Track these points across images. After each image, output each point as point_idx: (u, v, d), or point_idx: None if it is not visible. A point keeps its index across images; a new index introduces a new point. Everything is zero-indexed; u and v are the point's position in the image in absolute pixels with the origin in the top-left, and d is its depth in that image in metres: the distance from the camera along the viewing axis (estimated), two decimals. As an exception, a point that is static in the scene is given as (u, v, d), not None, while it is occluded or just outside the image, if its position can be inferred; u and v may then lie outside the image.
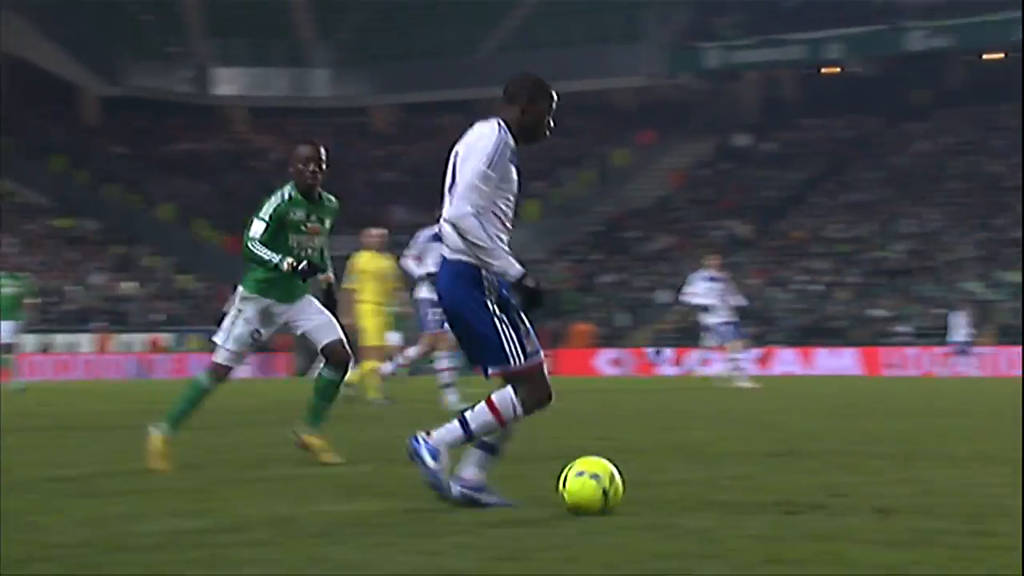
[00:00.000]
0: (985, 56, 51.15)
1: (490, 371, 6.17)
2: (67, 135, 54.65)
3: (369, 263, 17.80)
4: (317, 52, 59.32)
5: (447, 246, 6.28)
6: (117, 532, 5.41)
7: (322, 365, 8.71)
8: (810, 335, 41.29)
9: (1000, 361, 37.76)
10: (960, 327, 37.14)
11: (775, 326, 42.01)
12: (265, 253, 8.27)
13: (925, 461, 8.54)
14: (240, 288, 8.52)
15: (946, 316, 38.13)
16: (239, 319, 8.45)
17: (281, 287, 8.47)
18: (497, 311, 6.15)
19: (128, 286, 46.15)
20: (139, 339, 42.78)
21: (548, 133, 6.68)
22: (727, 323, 23.76)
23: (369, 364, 17.61)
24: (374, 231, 18.38)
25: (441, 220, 6.26)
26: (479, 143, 6.39)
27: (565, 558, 4.79)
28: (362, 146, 58.71)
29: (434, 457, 6.11)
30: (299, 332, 8.60)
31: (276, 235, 8.37)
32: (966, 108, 50.88)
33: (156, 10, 56.79)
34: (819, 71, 53.23)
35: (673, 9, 55.71)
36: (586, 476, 5.92)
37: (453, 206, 6.14)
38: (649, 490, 6.84)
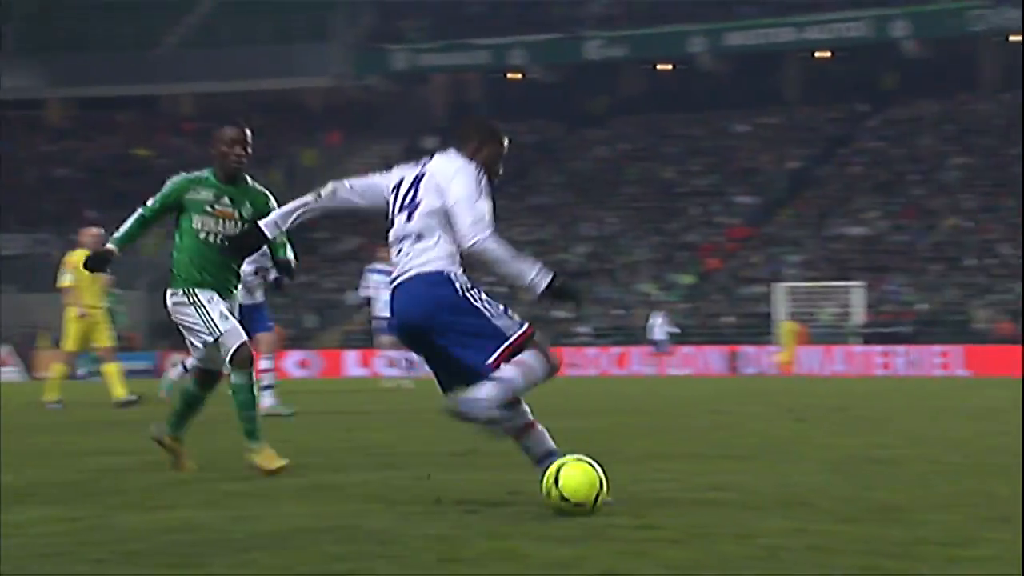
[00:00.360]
0: (659, 66, 52.84)
1: (494, 357, 6.05)
2: None
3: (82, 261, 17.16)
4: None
5: (411, 263, 6.28)
6: None
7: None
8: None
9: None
10: (658, 327, 38.36)
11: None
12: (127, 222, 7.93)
13: (600, 458, 8.77)
14: (171, 292, 7.86)
15: (647, 317, 39.29)
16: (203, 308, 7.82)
17: (216, 278, 7.90)
18: (476, 296, 6.18)
19: None
20: None
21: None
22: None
23: (58, 368, 17.38)
24: (93, 230, 17.60)
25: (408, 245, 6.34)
26: (464, 171, 6.43)
27: (241, 562, 4.74)
28: (35, 141, 56.65)
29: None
30: None
31: (175, 216, 7.90)
32: (641, 115, 52.49)
33: None
34: (504, 76, 54.08)
35: (360, 10, 55.72)
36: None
37: (471, 236, 6.22)
38: (330, 492, 6.83)
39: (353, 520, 5.74)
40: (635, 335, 41.37)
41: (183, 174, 8.03)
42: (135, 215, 7.94)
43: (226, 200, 7.95)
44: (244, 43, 54.27)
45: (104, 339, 17.41)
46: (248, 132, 8.13)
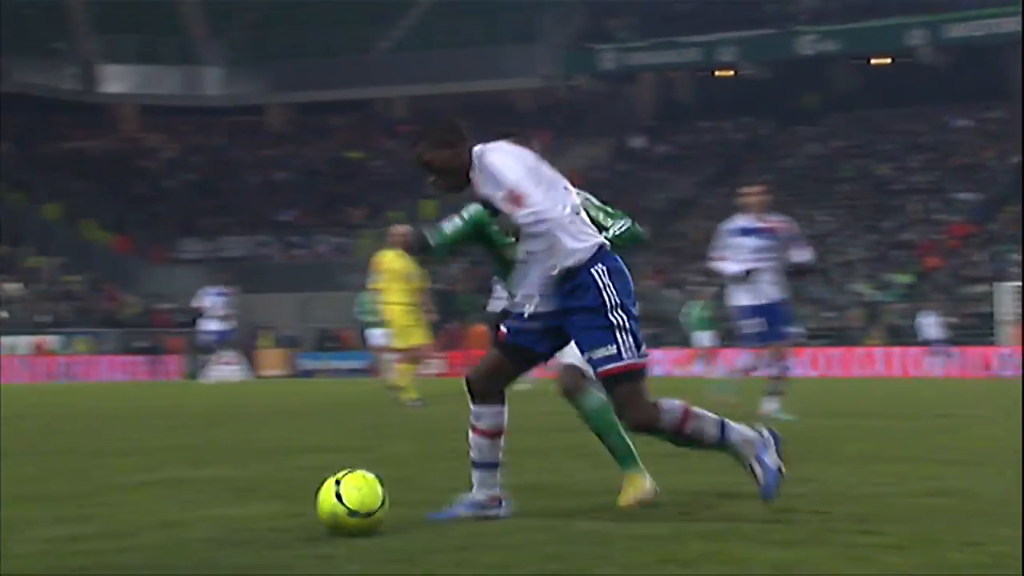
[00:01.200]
0: (873, 61, 51.89)
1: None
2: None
3: (393, 262, 17.41)
4: (209, 50, 58.68)
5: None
6: None
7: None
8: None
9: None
10: (930, 325, 37.52)
11: (670, 326, 42.30)
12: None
13: (817, 459, 8.65)
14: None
15: (914, 315, 38.43)
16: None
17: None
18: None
19: (11, 287, 45.33)
20: (24, 341, 41.87)
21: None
22: None
23: (405, 366, 17.46)
24: (400, 228, 17.90)
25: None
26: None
27: (458, 561, 4.79)
28: (256, 145, 58.25)
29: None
30: None
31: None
32: (855, 111, 51.62)
33: (40, 6, 55.83)
34: (713, 74, 53.72)
35: (569, 11, 55.90)
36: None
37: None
38: (546, 491, 6.86)
39: (568, 520, 5.76)
40: (850, 336, 40.71)
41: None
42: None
43: None
44: (455, 46, 54.93)
45: (417, 338, 17.42)
46: None
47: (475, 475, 5.91)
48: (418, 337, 17.41)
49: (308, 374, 41.81)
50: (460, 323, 44.09)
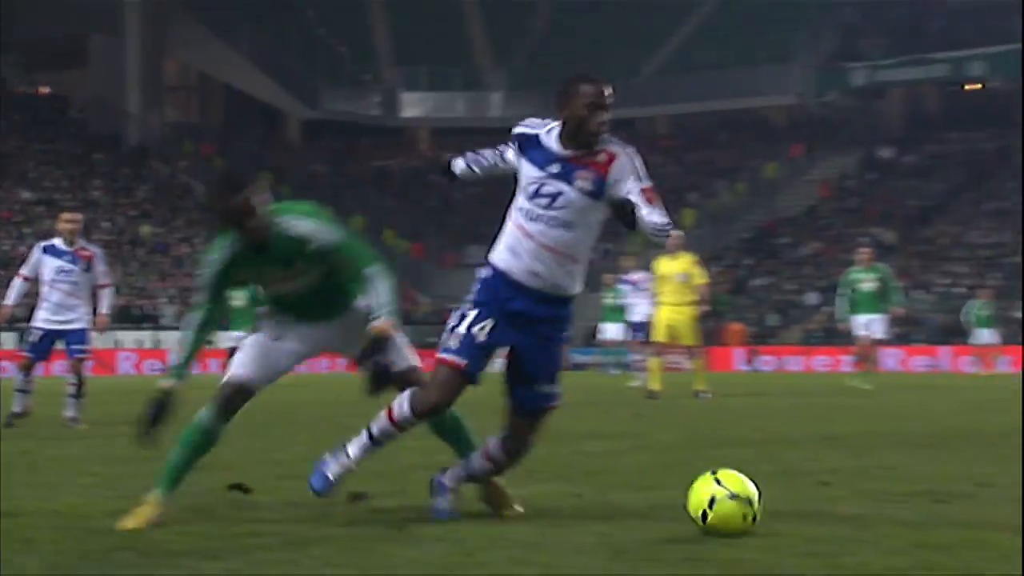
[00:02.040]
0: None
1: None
2: (273, 154, 56.10)
3: (667, 266, 17.42)
4: (493, 77, 59.89)
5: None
6: None
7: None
8: (951, 335, 40.28)
9: None
10: None
11: (919, 326, 41.18)
12: None
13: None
14: None
15: None
16: None
17: None
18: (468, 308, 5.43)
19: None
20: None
21: (598, 128, 5.51)
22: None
23: (655, 360, 17.48)
24: (673, 233, 17.91)
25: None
26: None
27: (693, 557, 4.74)
28: (533, 161, 59.04)
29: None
30: None
31: None
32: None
33: (350, 41, 57.91)
34: (962, 87, 52.00)
35: (821, 32, 54.93)
36: (739, 501, 4.91)
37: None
38: (801, 478, 6.74)
39: (827, 505, 5.64)
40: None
41: None
42: None
43: None
44: (713, 68, 54.66)
45: (689, 338, 17.30)
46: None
47: (359, 445, 5.37)
48: (691, 337, 17.30)
49: (579, 368, 42.06)
50: (717, 321, 43.73)
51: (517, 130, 5.72)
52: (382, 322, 5.48)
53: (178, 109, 58.55)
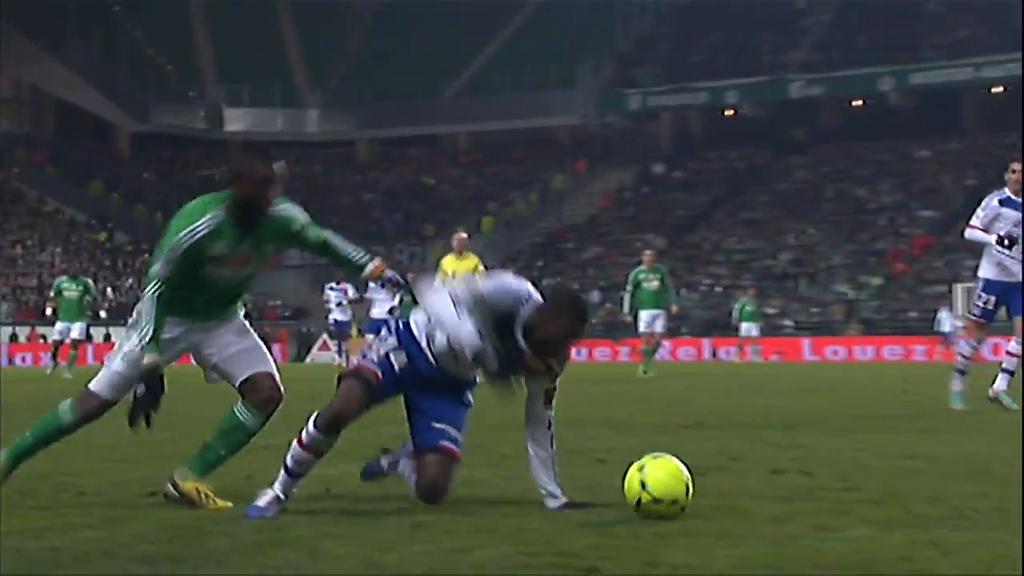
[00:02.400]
0: (853, 102, 51.45)
1: None
2: (104, 164, 54.28)
3: (453, 264, 16.85)
4: (309, 95, 59.18)
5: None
6: None
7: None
8: (712, 328, 41.43)
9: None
10: (946, 319, 36.90)
11: (685, 321, 42.18)
12: None
13: (804, 429, 8.57)
14: None
15: (935, 311, 37.69)
16: None
17: None
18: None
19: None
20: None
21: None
22: None
23: None
24: (460, 234, 17.37)
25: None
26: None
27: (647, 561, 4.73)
28: (347, 173, 58.54)
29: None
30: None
31: None
32: (837, 144, 51.19)
33: (177, 59, 56.45)
34: (721, 113, 53.44)
35: (602, 61, 55.84)
36: (664, 504, 4.52)
37: None
38: (583, 456, 6.81)
39: (603, 479, 5.69)
40: (831, 327, 40.46)
41: None
42: None
43: None
44: (508, 91, 55.09)
45: None
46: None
47: (281, 480, 4.73)
48: None
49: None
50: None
51: None
52: (376, 262, 5.26)
53: (11, 120, 56.25)
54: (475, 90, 56.86)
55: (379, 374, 4.85)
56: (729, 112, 53.11)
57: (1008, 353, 10.58)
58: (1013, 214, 10.25)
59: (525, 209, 53.61)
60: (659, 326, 20.40)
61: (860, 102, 51.17)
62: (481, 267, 17.13)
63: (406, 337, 4.93)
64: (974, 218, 10.49)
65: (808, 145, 51.96)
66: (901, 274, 42.99)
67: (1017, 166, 10.40)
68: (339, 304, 26.23)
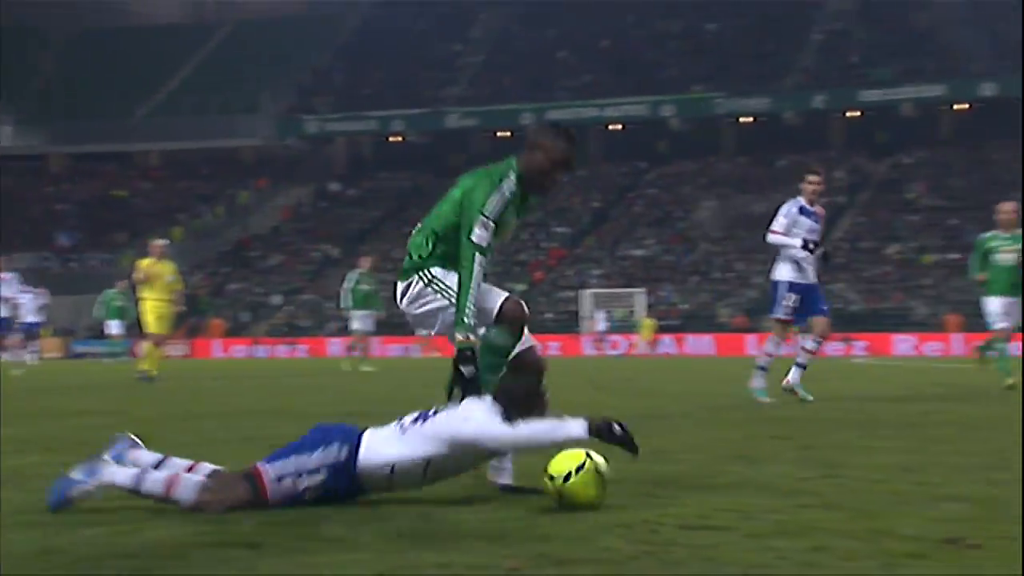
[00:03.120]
0: (499, 133, 53.01)
1: None
2: None
3: (152, 267, 16.11)
4: (3, 112, 55.16)
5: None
6: None
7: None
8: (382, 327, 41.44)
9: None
10: (601, 320, 38.08)
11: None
12: None
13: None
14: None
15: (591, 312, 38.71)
16: None
17: None
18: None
19: None
20: None
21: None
22: None
23: (151, 348, 16.18)
24: (159, 242, 16.64)
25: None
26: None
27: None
28: (39, 185, 54.86)
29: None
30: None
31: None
32: (488, 169, 52.50)
33: None
34: (388, 139, 53.79)
35: (282, 89, 55.09)
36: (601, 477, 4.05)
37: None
38: (256, 443, 6.65)
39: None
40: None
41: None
42: None
43: None
44: (197, 113, 53.51)
45: (165, 328, 16.21)
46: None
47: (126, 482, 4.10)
48: (166, 327, 16.46)
49: (80, 356, 39.52)
50: (201, 318, 42.67)
51: None
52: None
53: None
54: (167, 111, 54.80)
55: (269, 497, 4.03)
56: (396, 138, 53.55)
57: (803, 348, 10.29)
58: (808, 222, 10.10)
59: (213, 220, 52.06)
60: (370, 324, 20.65)
61: (507, 133, 52.83)
62: (177, 271, 16.57)
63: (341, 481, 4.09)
64: (775, 224, 10.17)
65: (464, 168, 52.74)
66: (540, 281, 44.65)
67: (814, 177, 10.18)
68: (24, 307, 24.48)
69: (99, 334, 42.99)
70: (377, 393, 12.34)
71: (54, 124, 54.32)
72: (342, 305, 21.05)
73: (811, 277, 10.15)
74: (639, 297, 40.57)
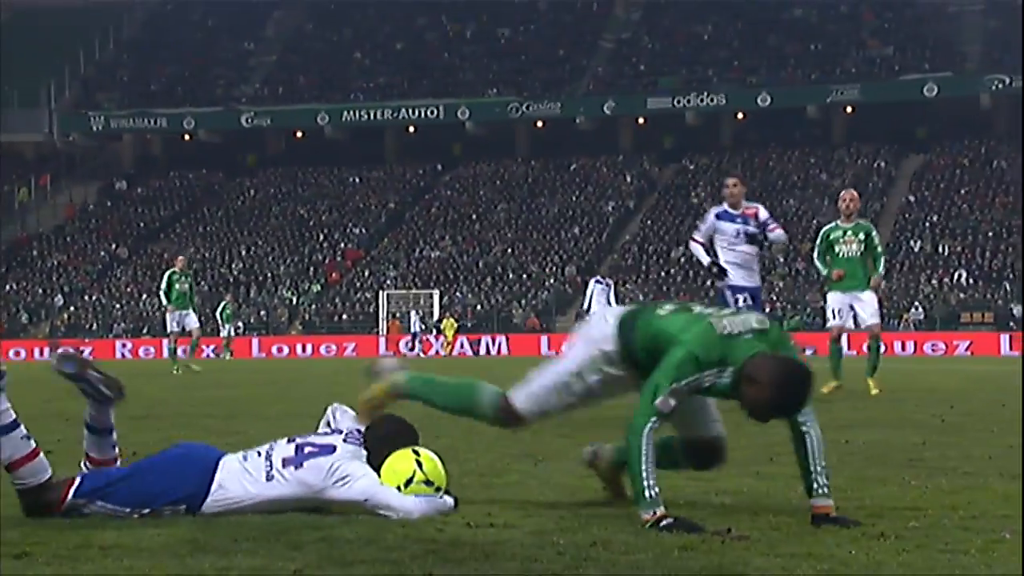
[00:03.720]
0: (296, 133, 52.22)
1: None
2: None
3: None
4: None
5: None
6: None
7: None
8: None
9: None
10: (415, 320, 37.62)
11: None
12: None
13: (244, 418, 8.47)
14: None
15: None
16: None
17: None
18: None
19: None
20: None
21: None
22: None
23: None
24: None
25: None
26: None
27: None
28: None
29: None
30: None
31: None
32: (282, 168, 51.64)
33: None
34: (181, 137, 52.08)
35: (63, 83, 52.49)
36: (432, 488, 3.96)
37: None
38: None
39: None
40: (277, 327, 40.81)
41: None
42: None
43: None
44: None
45: None
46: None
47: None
48: None
49: None
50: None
51: None
52: None
53: None
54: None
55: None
56: (187, 137, 51.92)
57: None
58: (730, 226, 9.72)
59: (-14, 219, 49.10)
60: (192, 323, 19.76)
61: (301, 133, 52.07)
62: None
63: None
64: (696, 232, 9.96)
65: (257, 169, 52.00)
66: (336, 282, 44.20)
67: (731, 180, 9.92)
68: None
69: None
70: (158, 394, 11.89)
71: None
72: (165, 304, 20.12)
73: (757, 280, 9.94)
74: (435, 299, 40.71)
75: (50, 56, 52.16)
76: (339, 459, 3.90)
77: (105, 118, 50.92)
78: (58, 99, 51.77)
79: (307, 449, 3.94)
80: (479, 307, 41.39)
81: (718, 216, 9.82)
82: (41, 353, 35.95)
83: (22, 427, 3.87)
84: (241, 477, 3.90)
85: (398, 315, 39.91)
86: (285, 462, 3.91)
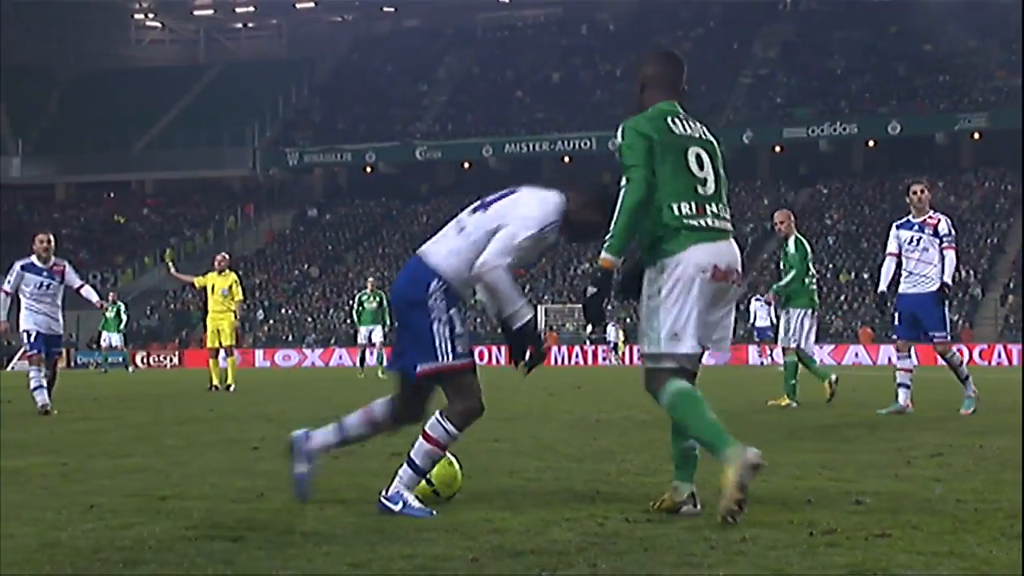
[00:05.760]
0: (463, 164, 52.93)
1: (419, 368, 3.90)
2: None
3: (214, 280, 15.15)
4: (12, 145, 54.56)
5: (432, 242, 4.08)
6: None
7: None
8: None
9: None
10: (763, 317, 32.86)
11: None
12: None
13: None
14: None
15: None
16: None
17: None
18: (438, 314, 3.91)
19: None
20: None
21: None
22: None
23: (215, 362, 15.12)
24: (218, 256, 15.72)
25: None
26: (540, 203, 4.16)
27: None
28: (46, 211, 54.17)
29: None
30: None
31: None
32: (452, 196, 52.41)
33: None
34: (363, 169, 53.62)
35: (266, 123, 54.93)
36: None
37: (482, 264, 3.92)
38: (238, 445, 6.54)
39: (254, 464, 5.47)
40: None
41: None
42: None
43: None
44: (189, 146, 53.25)
45: (227, 338, 15.04)
46: None
47: (409, 474, 3.95)
48: (219, 340, 15.14)
49: (82, 367, 38.92)
50: (192, 331, 42.11)
51: None
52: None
53: None
54: (162, 144, 54.49)
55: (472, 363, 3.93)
56: (368, 169, 53.41)
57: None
58: (905, 233, 9.14)
59: (203, 244, 51.59)
60: (378, 336, 20.67)
61: (468, 164, 52.88)
62: (237, 283, 15.41)
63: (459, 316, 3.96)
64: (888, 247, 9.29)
65: (430, 197, 53.05)
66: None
67: (917, 187, 9.31)
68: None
69: (97, 345, 42.48)
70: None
71: (60, 156, 53.84)
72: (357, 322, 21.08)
73: (926, 287, 9.01)
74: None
75: (254, 101, 54.70)
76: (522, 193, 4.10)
77: (299, 154, 52.94)
78: (260, 138, 54.11)
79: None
80: (627, 319, 41.08)
81: (898, 227, 9.28)
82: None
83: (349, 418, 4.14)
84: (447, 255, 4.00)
85: (555, 327, 39.96)
86: (473, 210, 4.12)
